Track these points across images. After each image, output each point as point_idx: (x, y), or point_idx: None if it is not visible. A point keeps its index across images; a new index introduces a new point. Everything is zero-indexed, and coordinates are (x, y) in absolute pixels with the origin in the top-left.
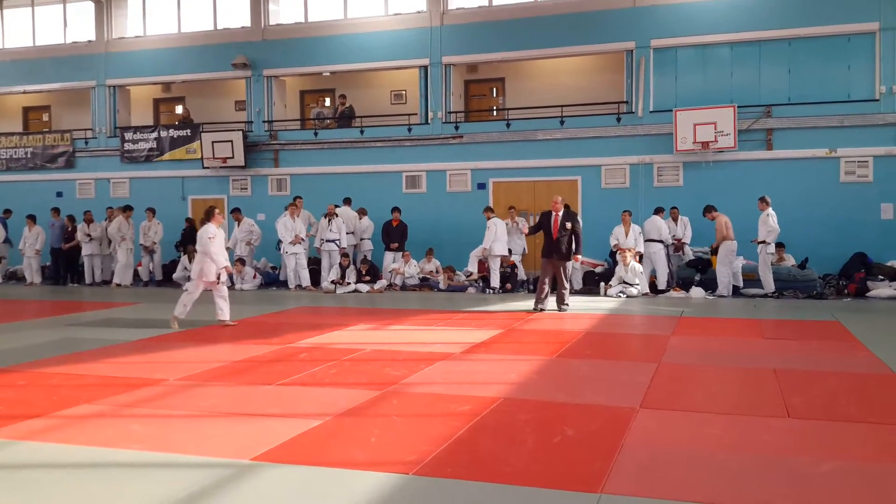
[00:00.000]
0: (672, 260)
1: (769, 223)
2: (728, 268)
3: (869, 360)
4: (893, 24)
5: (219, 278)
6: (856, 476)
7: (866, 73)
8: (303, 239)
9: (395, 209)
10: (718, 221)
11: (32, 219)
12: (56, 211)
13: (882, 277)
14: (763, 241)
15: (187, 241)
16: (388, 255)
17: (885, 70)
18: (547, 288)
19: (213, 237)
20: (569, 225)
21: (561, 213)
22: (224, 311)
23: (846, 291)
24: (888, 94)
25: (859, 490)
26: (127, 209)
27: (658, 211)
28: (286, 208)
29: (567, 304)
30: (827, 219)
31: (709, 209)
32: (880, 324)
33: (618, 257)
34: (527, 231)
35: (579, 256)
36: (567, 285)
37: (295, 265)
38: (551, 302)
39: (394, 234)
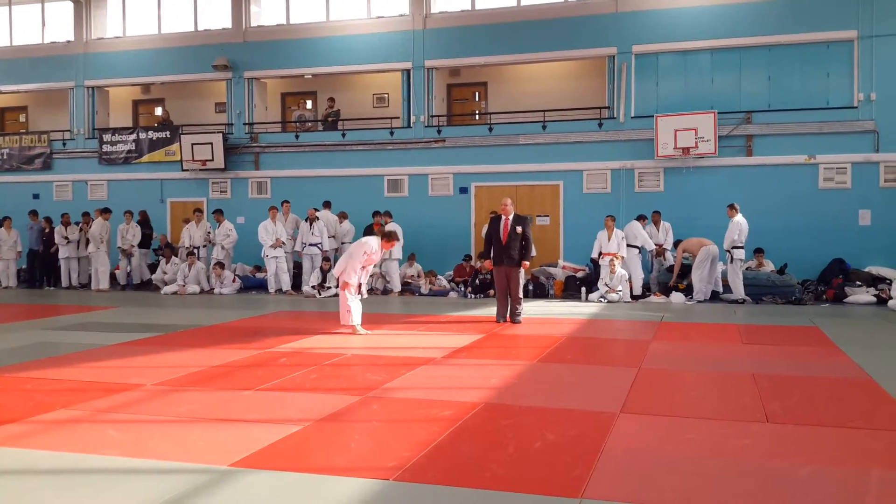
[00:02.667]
0: (653, 265)
1: (729, 230)
2: (703, 273)
3: (846, 366)
4: (871, 33)
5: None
6: (833, 480)
7: (845, 81)
8: (283, 242)
9: (377, 213)
10: (677, 253)
11: (9, 221)
12: (34, 213)
13: (860, 283)
14: (729, 249)
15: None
16: None
17: (863, 77)
18: (506, 298)
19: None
20: (519, 229)
21: (511, 217)
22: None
23: (824, 297)
24: (866, 101)
25: (837, 494)
26: (105, 211)
27: (640, 218)
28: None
29: (519, 317)
30: (806, 225)
31: (676, 245)
32: (858, 329)
33: (601, 262)
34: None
35: (527, 263)
36: (520, 296)
37: (275, 269)
38: (533, 306)
39: None
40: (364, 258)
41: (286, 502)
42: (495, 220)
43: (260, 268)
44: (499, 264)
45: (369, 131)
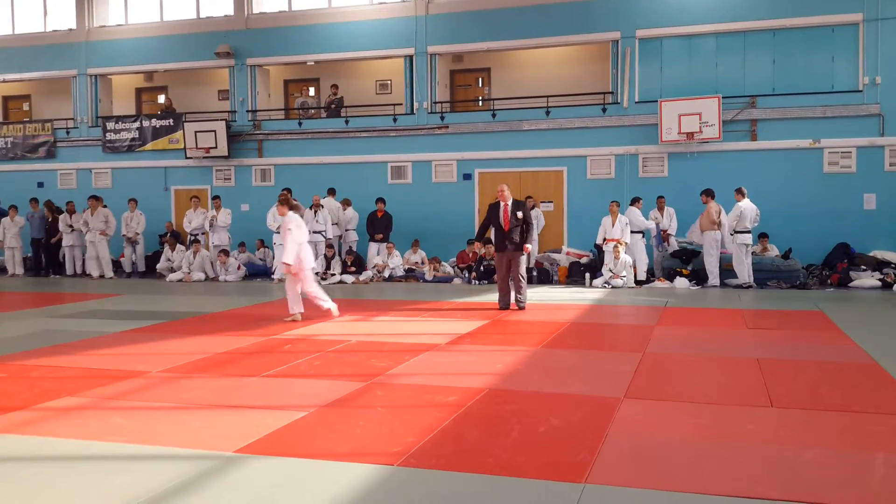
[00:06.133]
0: (658, 250)
1: (730, 215)
2: (715, 258)
3: (851, 350)
4: (876, 16)
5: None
6: (838, 464)
7: (850, 64)
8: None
9: (380, 200)
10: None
11: (14, 209)
12: (35, 202)
13: (864, 267)
14: (734, 232)
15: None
16: (373, 247)
17: (868, 61)
18: (507, 285)
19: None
20: (520, 214)
21: (510, 203)
22: (297, 306)
23: (829, 281)
24: (871, 84)
25: (840, 478)
26: (94, 199)
27: (635, 201)
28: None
29: (523, 302)
30: (810, 209)
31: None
32: (862, 313)
33: (605, 248)
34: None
35: (529, 247)
36: (523, 279)
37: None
38: (537, 292)
39: (378, 225)
40: (289, 234)
41: (291, 488)
42: (494, 206)
43: (245, 247)
44: (502, 250)
45: (372, 118)
